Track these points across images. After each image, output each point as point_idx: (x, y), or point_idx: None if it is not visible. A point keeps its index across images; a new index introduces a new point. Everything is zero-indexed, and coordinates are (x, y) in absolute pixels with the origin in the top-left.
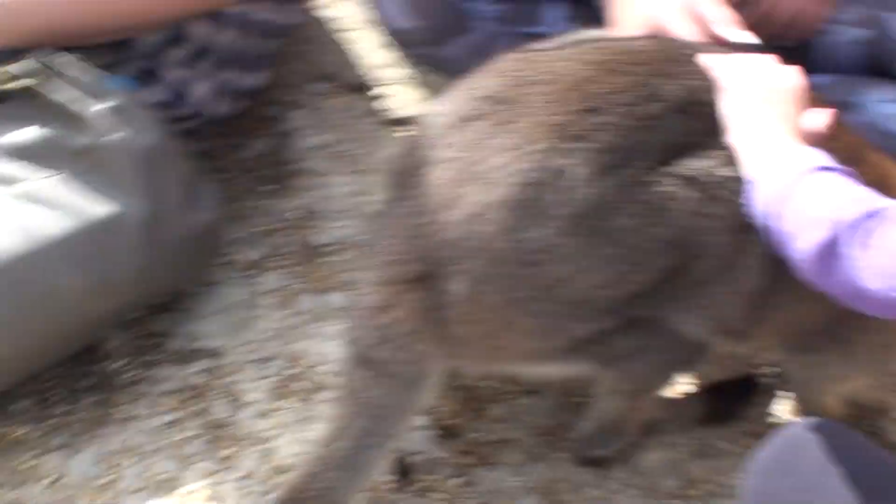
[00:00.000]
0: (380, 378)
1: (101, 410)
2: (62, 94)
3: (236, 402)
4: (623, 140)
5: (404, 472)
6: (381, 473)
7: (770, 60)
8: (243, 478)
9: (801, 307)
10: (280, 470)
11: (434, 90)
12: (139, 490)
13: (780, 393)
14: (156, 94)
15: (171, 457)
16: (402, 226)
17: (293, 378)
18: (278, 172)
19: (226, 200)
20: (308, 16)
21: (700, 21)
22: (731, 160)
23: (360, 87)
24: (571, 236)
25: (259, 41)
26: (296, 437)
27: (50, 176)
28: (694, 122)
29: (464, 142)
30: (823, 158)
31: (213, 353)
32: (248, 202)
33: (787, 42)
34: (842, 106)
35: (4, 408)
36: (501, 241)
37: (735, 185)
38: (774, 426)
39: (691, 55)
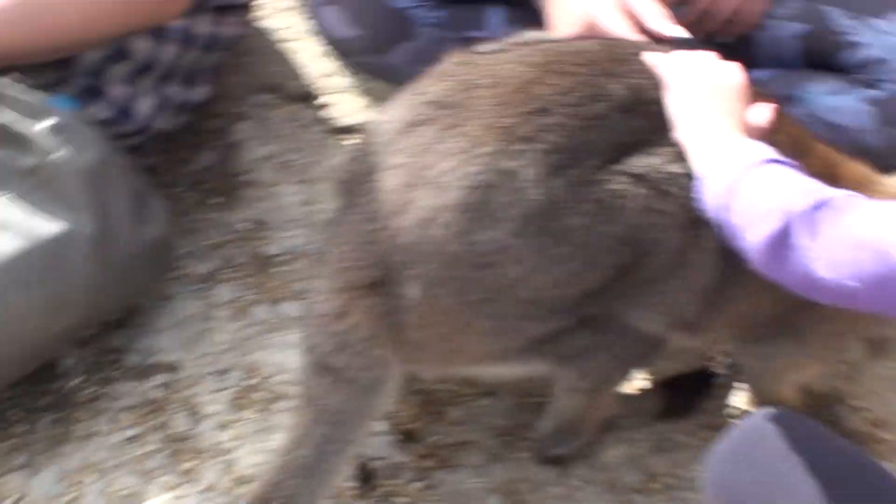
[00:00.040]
0: (338, 384)
1: (60, 428)
2: (4, 115)
3: (196, 414)
4: (570, 140)
5: (366, 477)
6: (343, 480)
7: (712, 57)
8: (206, 490)
9: (753, 299)
10: (242, 481)
11: (378, 97)
12: None
13: (735, 385)
14: (100, 111)
15: (133, 472)
16: (355, 232)
17: (251, 389)
18: (226, 185)
19: (175, 214)
20: (250, 27)
21: (632, 16)
22: (678, 157)
23: (304, 96)
24: (523, 237)
25: (202, 55)
26: (256, 448)
27: None
28: (640, 120)
29: (412, 147)
30: (770, 151)
31: (170, 367)
32: (198, 215)
33: (727, 38)
34: (784, 99)
35: None
36: (454, 244)
37: (684, 180)
38: (731, 418)
39: (635, 54)
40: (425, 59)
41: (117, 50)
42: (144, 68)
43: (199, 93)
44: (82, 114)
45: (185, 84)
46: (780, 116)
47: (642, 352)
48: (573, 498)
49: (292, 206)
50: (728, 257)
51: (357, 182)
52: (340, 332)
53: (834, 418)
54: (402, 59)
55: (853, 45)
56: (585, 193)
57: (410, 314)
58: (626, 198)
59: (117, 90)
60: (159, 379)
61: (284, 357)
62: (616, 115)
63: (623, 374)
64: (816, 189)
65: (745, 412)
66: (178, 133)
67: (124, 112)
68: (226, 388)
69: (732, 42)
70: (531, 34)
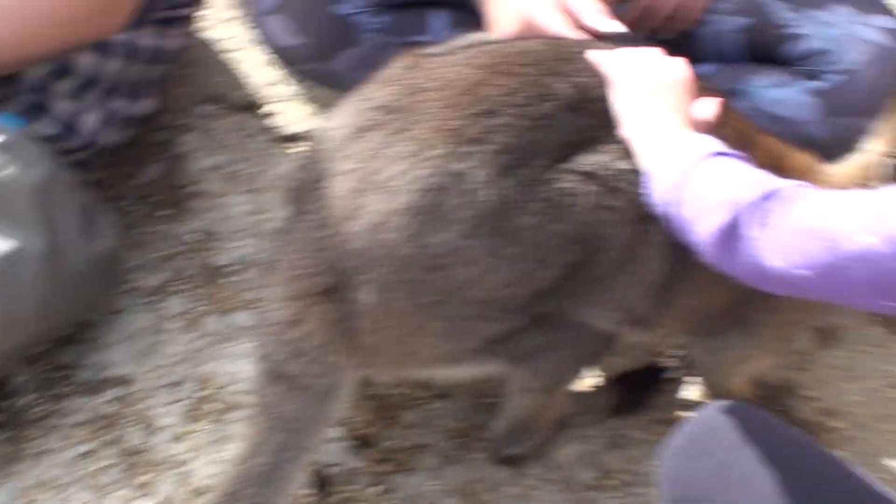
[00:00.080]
0: (293, 392)
1: (13, 446)
2: None
3: (149, 427)
4: (519, 140)
5: (322, 484)
6: (299, 487)
7: (656, 53)
8: (163, 502)
9: (704, 293)
10: (198, 492)
11: (323, 104)
12: None
13: (687, 379)
14: (45, 127)
15: (88, 487)
16: (306, 240)
17: (204, 400)
18: (174, 196)
19: (123, 228)
20: (193, 38)
21: (569, 13)
22: (626, 153)
23: (249, 106)
24: (475, 238)
25: (146, 67)
26: (212, 458)
27: None
28: (587, 118)
29: (361, 152)
30: (717, 144)
31: (122, 381)
32: (146, 228)
33: (670, 34)
34: (728, 93)
35: None
36: (406, 247)
37: (632, 176)
38: (684, 412)
39: (580, 53)
40: (370, 64)
41: (61, 66)
42: (89, 83)
43: (145, 106)
44: (28, 131)
45: (131, 98)
46: (725, 110)
47: (594, 349)
48: (529, 497)
49: (240, 215)
50: (677, 251)
51: (306, 189)
52: (294, 339)
53: (785, 408)
54: (347, 65)
55: (795, 37)
56: (535, 193)
57: (364, 319)
58: (575, 196)
59: (62, 106)
60: (111, 393)
61: (237, 367)
62: (563, 114)
63: (575, 373)
64: (765, 180)
65: (697, 405)
66: (124, 147)
67: (69, 128)
68: (179, 400)
69: (675, 38)
70: (476, 36)
